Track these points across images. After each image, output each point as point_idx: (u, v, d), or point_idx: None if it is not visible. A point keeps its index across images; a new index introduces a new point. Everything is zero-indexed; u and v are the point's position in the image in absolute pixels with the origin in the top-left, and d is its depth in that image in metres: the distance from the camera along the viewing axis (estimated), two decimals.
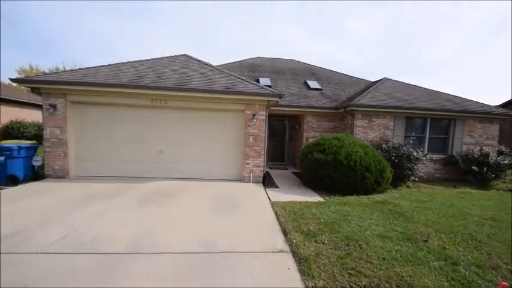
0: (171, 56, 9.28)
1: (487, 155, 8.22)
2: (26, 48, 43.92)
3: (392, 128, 8.86)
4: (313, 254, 3.07)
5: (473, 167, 8.09)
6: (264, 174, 7.35)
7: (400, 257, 3.11)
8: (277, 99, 7.22)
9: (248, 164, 7.23)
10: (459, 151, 9.03)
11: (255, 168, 7.25)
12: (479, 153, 8.38)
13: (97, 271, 2.60)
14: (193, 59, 9.31)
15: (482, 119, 9.28)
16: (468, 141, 9.23)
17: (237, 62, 13.92)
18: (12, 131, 13.62)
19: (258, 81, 10.87)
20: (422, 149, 8.11)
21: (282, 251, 3.17)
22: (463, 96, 10.45)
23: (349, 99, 9.95)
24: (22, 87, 11.51)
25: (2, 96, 13.56)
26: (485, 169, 8.04)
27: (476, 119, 9.27)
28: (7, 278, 2.42)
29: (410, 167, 7.34)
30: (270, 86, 10.26)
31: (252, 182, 7.14)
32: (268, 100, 7.21)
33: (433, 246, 3.46)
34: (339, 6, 56.69)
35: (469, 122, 9.24)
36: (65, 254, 2.92)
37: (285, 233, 3.71)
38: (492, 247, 3.50)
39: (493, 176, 8.15)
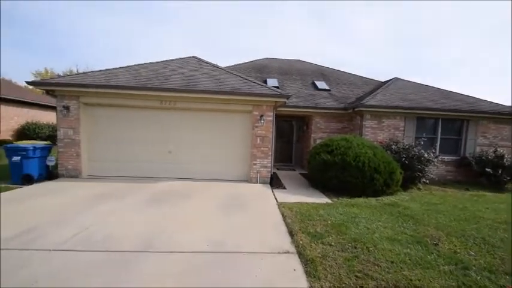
0: (180, 58, 9.40)
1: (502, 156, 7.95)
2: (41, 51, 45.52)
3: (402, 128, 8.70)
4: (320, 255, 3.06)
5: (487, 169, 7.85)
6: (271, 175, 7.35)
7: (409, 260, 3.06)
8: (285, 99, 7.21)
9: (255, 164, 7.24)
10: (472, 152, 8.77)
11: (262, 169, 7.26)
12: (493, 155, 8.11)
13: (108, 269, 2.67)
14: (202, 60, 9.40)
15: (497, 119, 8.98)
16: (482, 142, 8.96)
17: (244, 63, 13.98)
18: (28, 131, 14.11)
19: (265, 82, 10.89)
20: (433, 151, 7.91)
21: (288, 252, 3.17)
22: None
23: (358, 99, 9.83)
24: (38, 89, 11.91)
25: (17, 98, 14.08)
26: (499, 171, 7.78)
27: (491, 120, 8.99)
28: (21, 274, 2.52)
29: (421, 168, 7.18)
30: (277, 87, 10.28)
31: (259, 183, 7.15)
32: (275, 101, 7.21)
33: (443, 249, 3.38)
34: (344, 6, 56.34)
35: (482, 123, 8.97)
36: (77, 252, 3.00)
37: (291, 234, 3.71)
38: (506, 251, 3.39)
39: (508, 178, 7.88)
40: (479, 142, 8.96)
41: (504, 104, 9.79)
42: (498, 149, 8.31)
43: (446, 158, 8.77)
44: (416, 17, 51.34)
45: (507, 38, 44.45)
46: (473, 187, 7.83)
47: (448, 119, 8.87)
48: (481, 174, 8.18)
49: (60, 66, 50.71)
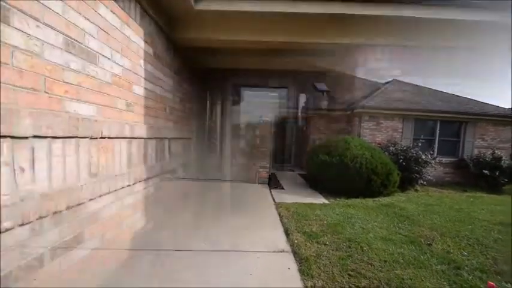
0: None
1: (500, 158, 8.00)
2: None
3: (400, 130, 8.76)
4: (314, 254, 3.11)
5: (485, 171, 7.90)
6: (269, 175, 7.40)
7: (402, 259, 3.11)
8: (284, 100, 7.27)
9: (254, 165, 7.29)
10: (470, 154, 8.82)
11: (260, 170, 7.30)
12: (491, 157, 8.17)
13: (107, 266, 2.73)
14: None
15: (496, 121, 9.03)
16: (480, 144, 9.01)
17: None
18: None
19: None
20: (431, 152, 7.96)
21: (283, 251, 3.21)
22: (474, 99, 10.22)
23: (357, 101, 9.89)
24: None
25: None
26: (497, 173, 7.82)
27: (489, 122, 9.04)
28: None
29: (418, 170, 7.24)
30: None
31: (258, 183, 7.19)
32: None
33: (437, 250, 3.43)
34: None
35: (481, 125, 9.02)
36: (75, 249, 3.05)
37: (287, 233, 3.75)
38: (499, 252, 3.44)
39: (506, 180, 7.92)
40: (477, 144, 9.00)
41: (504, 105, 9.86)
42: (496, 151, 8.36)
43: (444, 159, 8.82)
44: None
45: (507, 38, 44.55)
46: (471, 189, 7.89)
47: (446, 121, 8.92)
48: (478, 176, 8.22)
49: None
